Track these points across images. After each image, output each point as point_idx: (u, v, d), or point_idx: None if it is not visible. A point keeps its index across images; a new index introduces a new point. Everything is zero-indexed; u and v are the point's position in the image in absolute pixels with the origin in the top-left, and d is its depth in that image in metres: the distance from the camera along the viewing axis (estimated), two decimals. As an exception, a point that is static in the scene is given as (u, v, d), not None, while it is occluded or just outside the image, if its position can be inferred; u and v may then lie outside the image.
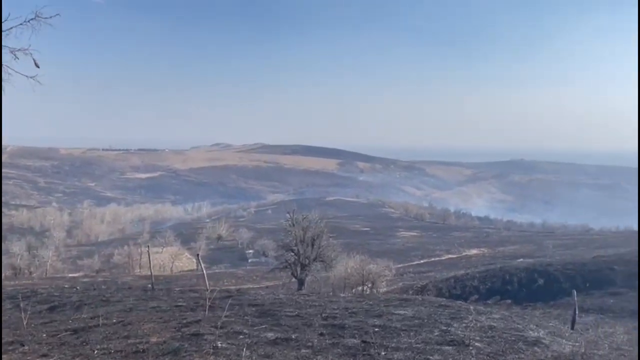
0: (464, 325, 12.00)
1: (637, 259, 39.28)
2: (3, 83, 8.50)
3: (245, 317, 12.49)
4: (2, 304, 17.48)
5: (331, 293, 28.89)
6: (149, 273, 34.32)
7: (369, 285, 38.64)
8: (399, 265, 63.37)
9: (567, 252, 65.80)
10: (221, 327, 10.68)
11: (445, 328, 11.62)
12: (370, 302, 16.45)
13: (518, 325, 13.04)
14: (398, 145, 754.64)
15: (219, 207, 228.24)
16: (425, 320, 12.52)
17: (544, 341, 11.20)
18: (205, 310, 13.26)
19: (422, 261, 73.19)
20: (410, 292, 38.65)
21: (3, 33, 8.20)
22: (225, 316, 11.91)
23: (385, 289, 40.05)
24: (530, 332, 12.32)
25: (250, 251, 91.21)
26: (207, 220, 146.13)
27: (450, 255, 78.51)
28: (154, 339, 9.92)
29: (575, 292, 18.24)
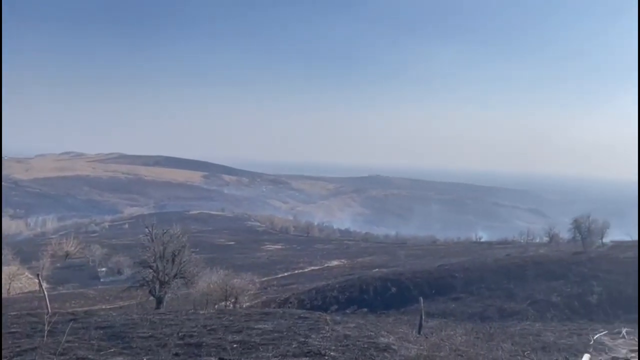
0: (321, 335, 12.34)
1: (475, 267, 44.05)
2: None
3: (92, 342, 11.49)
4: None
5: (191, 310, 27.86)
6: (-22, 297, 30.02)
7: (232, 300, 38.01)
8: (264, 279, 63.35)
9: (417, 261, 71.34)
10: (61, 354, 9.69)
11: (303, 340, 11.84)
12: (231, 318, 16.18)
13: (371, 333, 13.77)
14: (265, 159, 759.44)
15: (68, 222, 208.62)
16: (285, 333, 12.65)
17: (393, 346, 11.95)
18: (44, 336, 11.92)
19: (286, 274, 74.02)
20: (273, 305, 38.85)
21: None
22: (68, 341, 10.83)
23: (248, 303, 39.73)
24: (382, 338, 13.08)
25: (103, 269, 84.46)
26: (54, 236, 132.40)
27: (313, 267, 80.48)
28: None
29: (422, 299, 19.88)
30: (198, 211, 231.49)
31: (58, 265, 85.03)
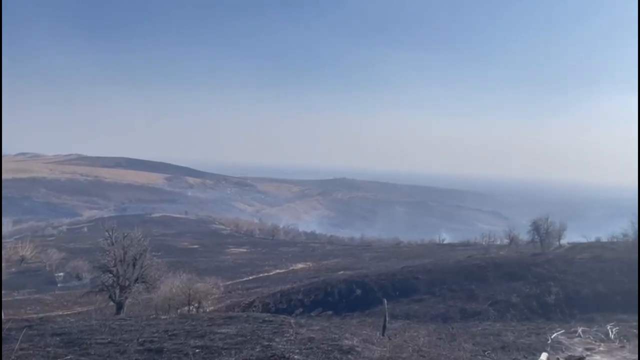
0: (285, 339, 12.27)
1: (438, 269, 44.75)
2: None
3: (47, 349, 11.07)
4: None
5: (153, 316, 27.28)
6: None
7: (195, 305, 37.46)
8: (228, 283, 62.75)
9: (382, 263, 72.02)
10: (14, 364, 9.29)
11: (267, 343, 11.74)
12: (194, 323, 15.91)
13: (335, 335, 13.77)
14: (230, 161, 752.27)
15: (24, 225, 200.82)
16: (249, 337, 12.51)
17: (357, 349, 11.99)
18: (-5, 345, 11.40)
19: (251, 277, 73.46)
20: (237, 309, 38.46)
21: None
22: (22, 349, 10.40)
23: (212, 307, 39.24)
24: (346, 340, 13.10)
25: (61, 274, 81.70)
26: (9, 240, 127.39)
27: (278, 270, 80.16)
28: None
29: (385, 301, 20.03)
30: (160, 214, 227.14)
31: (13, 270, 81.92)
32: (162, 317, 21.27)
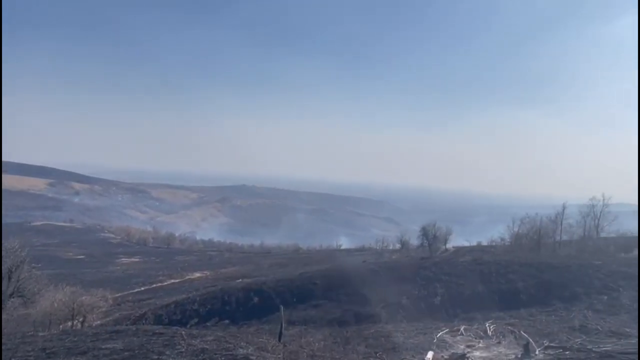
0: (176, 351, 11.86)
1: (334, 274, 45.79)
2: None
3: None
4: None
5: (30, 332, 25.02)
6: None
7: (80, 319, 35.01)
8: (118, 295, 59.24)
9: (280, 270, 72.16)
10: None
11: (157, 357, 11.27)
12: (76, 339, 14.83)
13: (229, 345, 13.56)
14: (122, 166, 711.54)
15: None
16: (136, 352, 11.92)
17: (251, 357, 11.91)
18: None
19: (143, 288, 69.99)
20: (127, 322, 36.44)
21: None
22: None
23: (99, 322, 36.89)
24: (240, 349, 12.96)
25: None
26: None
27: (173, 280, 77.21)
28: None
29: (282, 307, 20.12)
30: (42, 222, 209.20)
31: None
32: (40, 333, 19.59)
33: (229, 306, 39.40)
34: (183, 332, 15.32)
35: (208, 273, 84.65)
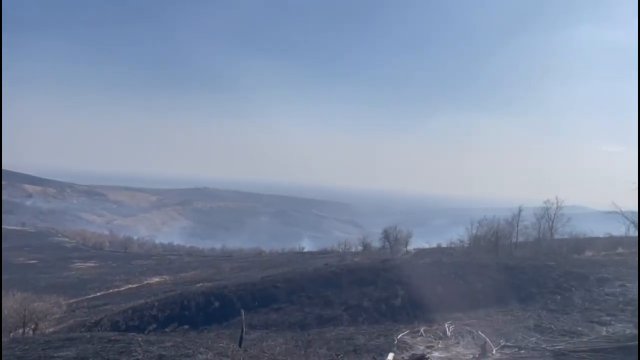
0: (133, 358, 11.51)
1: (296, 277, 45.62)
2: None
3: None
4: None
5: (-24, 343, 23.76)
6: None
7: (32, 327, 33.66)
8: (72, 300, 57.40)
9: (242, 273, 71.52)
10: None
11: (111, 365, 10.89)
12: (26, 347, 14.20)
13: (189, 351, 13.26)
14: (77, 167, 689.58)
15: None
16: (90, 360, 11.49)
17: (210, 363, 11.67)
18: None
19: (99, 294, 68.06)
20: (81, 329, 35.23)
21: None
22: None
23: (51, 329, 35.52)
24: (200, 355, 12.69)
25: None
26: None
27: (130, 285, 75.37)
28: None
29: (243, 312, 19.85)
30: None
31: None
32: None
33: (188, 311, 38.63)
34: (140, 339, 14.87)
35: (167, 277, 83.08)
